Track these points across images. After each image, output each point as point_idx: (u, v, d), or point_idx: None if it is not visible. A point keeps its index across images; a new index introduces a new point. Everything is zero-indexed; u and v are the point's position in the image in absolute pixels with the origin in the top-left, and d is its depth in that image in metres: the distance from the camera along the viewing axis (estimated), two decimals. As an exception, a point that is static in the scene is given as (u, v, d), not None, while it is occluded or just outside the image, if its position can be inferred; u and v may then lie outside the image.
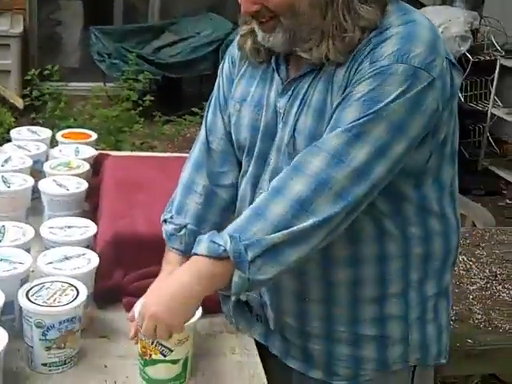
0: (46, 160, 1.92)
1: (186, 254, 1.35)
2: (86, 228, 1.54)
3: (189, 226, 1.41)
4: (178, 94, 5.76)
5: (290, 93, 1.28)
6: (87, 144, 2.05)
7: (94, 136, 2.12)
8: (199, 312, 1.25)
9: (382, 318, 1.32)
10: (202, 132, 1.49)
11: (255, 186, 1.35)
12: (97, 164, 2.00)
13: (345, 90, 1.19)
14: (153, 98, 4.32)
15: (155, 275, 1.54)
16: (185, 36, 5.65)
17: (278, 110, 1.30)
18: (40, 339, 1.24)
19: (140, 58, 5.16)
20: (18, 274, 1.33)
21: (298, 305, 1.35)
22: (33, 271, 1.39)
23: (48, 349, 1.25)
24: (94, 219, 1.65)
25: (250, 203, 1.29)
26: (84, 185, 1.75)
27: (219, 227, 1.33)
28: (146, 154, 2.59)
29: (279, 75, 1.31)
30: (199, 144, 1.48)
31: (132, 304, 1.47)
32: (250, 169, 1.36)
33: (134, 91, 4.30)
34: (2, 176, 1.72)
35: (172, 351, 1.21)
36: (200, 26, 5.69)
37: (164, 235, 1.43)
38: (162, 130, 4.29)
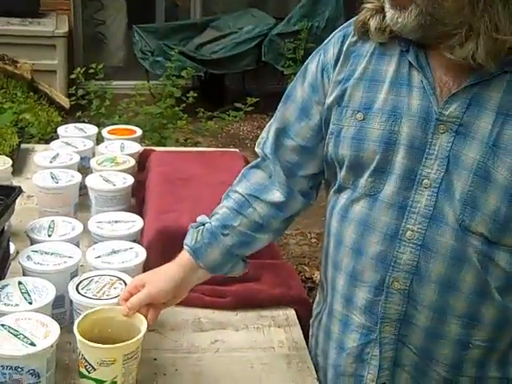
0: (93, 156, 1.95)
1: (195, 253, 1.30)
2: (133, 222, 1.56)
3: (207, 225, 1.32)
4: (221, 90, 5.78)
5: (465, 100, 1.09)
6: (132, 140, 2.06)
7: (139, 132, 2.14)
8: (134, 340, 1.14)
9: None
10: (270, 137, 1.32)
11: (401, 206, 1.15)
12: (142, 159, 2.01)
13: None
14: (196, 95, 4.33)
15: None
16: (227, 32, 5.65)
17: (441, 119, 1.11)
18: (90, 332, 1.26)
19: (182, 54, 5.18)
20: (68, 268, 1.35)
21: (460, 352, 1.19)
22: (82, 265, 1.41)
23: (98, 342, 1.26)
24: (141, 214, 1.67)
25: (387, 225, 1.16)
26: (130, 180, 1.77)
27: (246, 239, 1.30)
28: (191, 149, 2.60)
29: (427, 79, 1.12)
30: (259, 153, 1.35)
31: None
32: (386, 188, 1.16)
33: (177, 88, 4.32)
34: (51, 172, 1.75)
35: (95, 369, 1.12)
36: (242, 21, 5.68)
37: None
38: (205, 125, 4.30)
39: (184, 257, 1.31)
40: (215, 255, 1.31)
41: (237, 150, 2.39)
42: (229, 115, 4.34)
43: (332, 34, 1.27)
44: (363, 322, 1.22)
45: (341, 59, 1.22)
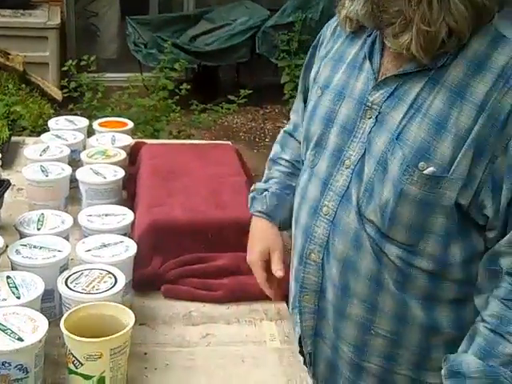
0: (84, 149, 1.93)
1: (270, 216, 1.42)
2: (124, 216, 1.54)
3: (271, 189, 1.44)
4: (215, 82, 5.75)
5: (388, 89, 1.13)
6: (123, 132, 2.05)
7: (131, 124, 2.12)
8: (120, 334, 1.12)
9: None
10: (297, 107, 1.47)
11: (325, 182, 1.22)
12: (133, 152, 2.00)
13: (480, 115, 1.03)
14: (189, 87, 4.31)
15: (193, 262, 1.54)
16: (220, 24, 5.63)
17: (367, 104, 1.15)
18: (79, 326, 1.24)
19: (176, 46, 5.16)
20: (57, 262, 1.33)
21: (362, 336, 1.22)
22: (72, 259, 1.40)
23: (88, 336, 1.25)
24: (132, 207, 1.65)
25: (314, 198, 1.24)
26: (121, 173, 1.75)
27: None
28: (183, 142, 2.59)
29: (371, 65, 1.17)
30: (291, 119, 1.50)
31: (171, 291, 1.48)
32: (320, 164, 1.23)
33: (170, 80, 4.30)
34: (41, 165, 1.73)
35: (82, 364, 1.11)
36: (235, 13, 5.67)
37: (248, 204, 1.47)
38: (198, 118, 4.28)
39: (259, 222, 1.43)
40: (285, 214, 1.41)
41: (229, 142, 2.38)
42: (222, 107, 4.33)
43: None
44: (292, 287, 1.33)
45: (327, 38, 1.32)
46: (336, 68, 1.24)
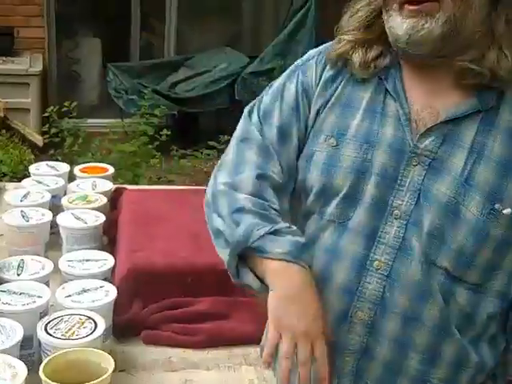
0: (65, 194, 1.94)
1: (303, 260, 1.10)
2: (104, 261, 1.55)
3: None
4: (195, 128, 5.80)
5: (439, 135, 1.11)
6: (104, 178, 2.06)
7: (111, 170, 2.14)
8: (98, 381, 1.12)
9: None
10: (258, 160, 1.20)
11: (370, 236, 1.14)
12: (114, 198, 2.01)
13: None
14: (169, 133, 4.35)
15: (173, 307, 1.55)
16: (200, 70, 5.69)
17: (415, 151, 1.11)
18: (59, 373, 1.24)
19: (156, 93, 5.21)
20: (36, 308, 1.33)
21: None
22: (52, 305, 1.40)
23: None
24: (112, 252, 1.66)
25: (357, 254, 1.14)
26: (102, 218, 1.76)
27: None
28: (163, 187, 2.61)
29: (403, 109, 1.13)
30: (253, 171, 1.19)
31: (150, 337, 1.48)
32: (356, 217, 1.14)
33: (150, 126, 4.34)
34: (21, 211, 1.74)
35: None
36: (215, 60, 5.74)
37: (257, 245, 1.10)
38: (179, 164, 4.31)
39: (295, 273, 1.09)
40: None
41: (210, 187, 2.39)
42: (202, 153, 4.36)
43: (308, 55, 1.26)
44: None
45: (321, 83, 1.21)
46: (347, 114, 1.17)
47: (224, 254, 1.15)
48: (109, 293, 1.41)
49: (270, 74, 5.50)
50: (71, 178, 2.10)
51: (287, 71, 1.28)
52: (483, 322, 1.15)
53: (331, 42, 1.23)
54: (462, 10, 1.05)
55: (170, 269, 1.59)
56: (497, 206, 1.08)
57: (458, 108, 1.11)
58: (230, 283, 1.52)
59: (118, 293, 1.42)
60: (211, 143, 4.40)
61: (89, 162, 2.46)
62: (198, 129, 5.83)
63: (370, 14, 1.16)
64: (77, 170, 2.11)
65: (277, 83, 1.27)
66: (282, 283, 1.08)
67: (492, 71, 1.07)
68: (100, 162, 2.63)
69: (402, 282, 1.13)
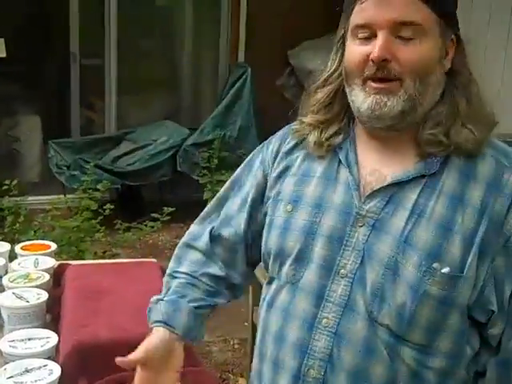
0: (6, 274, 1.92)
1: (168, 324, 1.33)
2: (48, 339, 1.53)
3: (165, 298, 1.38)
4: (139, 201, 5.80)
5: (384, 197, 1.18)
6: (47, 255, 2.05)
7: (54, 246, 2.13)
8: None
9: None
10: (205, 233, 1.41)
11: (319, 295, 1.20)
12: (57, 274, 2.00)
13: (482, 217, 1.13)
14: (113, 207, 4.34)
15: (119, 382, 1.53)
16: (142, 144, 5.74)
17: (360, 213, 1.18)
18: None
19: (99, 167, 5.22)
20: (-22, 391, 1.31)
21: None
22: (-6, 387, 1.37)
23: None
24: (56, 330, 1.65)
25: (307, 313, 1.20)
26: (44, 295, 1.75)
27: (205, 303, 1.37)
28: (107, 261, 2.60)
29: (352, 175, 1.21)
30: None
31: (97, 413, 1.45)
32: (306, 277, 1.21)
33: (93, 201, 4.32)
34: (-39, 293, 1.71)
35: None
36: (156, 133, 5.80)
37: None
38: (123, 237, 4.30)
39: (159, 333, 1.32)
40: (185, 319, 1.33)
41: (154, 260, 2.40)
42: (146, 226, 4.36)
43: (279, 132, 1.37)
44: None
45: (278, 157, 1.32)
46: (303, 183, 1.26)
47: None
48: (52, 372, 1.40)
49: (211, 145, 5.60)
50: (12, 256, 2.08)
51: (259, 146, 1.40)
52: (435, 382, 1.17)
53: (291, 125, 1.34)
54: (421, 89, 1.14)
55: (114, 343, 1.58)
56: (435, 265, 1.12)
57: (405, 173, 1.18)
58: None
59: (62, 371, 1.41)
60: (155, 215, 4.41)
61: (31, 240, 2.45)
62: (141, 201, 5.83)
63: (329, 94, 1.26)
64: (18, 248, 2.09)
65: (249, 156, 1.42)
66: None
67: (457, 144, 1.16)
68: (43, 238, 2.61)
69: (349, 340, 1.16)
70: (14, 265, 1.97)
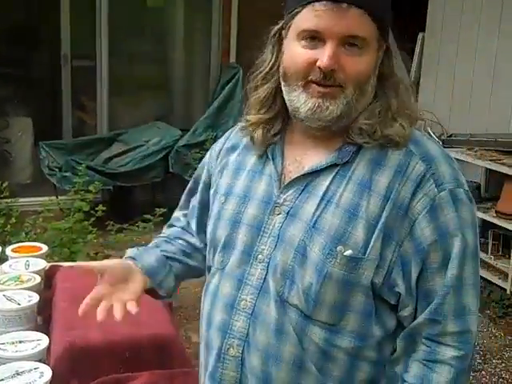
0: (-4, 276, 1.91)
1: (134, 258, 1.42)
2: (39, 341, 1.53)
3: (143, 247, 1.50)
4: (131, 202, 5.79)
5: (299, 187, 1.24)
6: (38, 257, 2.05)
7: (45, 248, 2.13)
8: None
9: None
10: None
11: (240, 279, 1.28)
12: (49, 276, 2.00)
13: (387, 203, 1.18)
14: (105, 208, 4.33)
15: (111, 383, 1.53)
16: (134, 145, 5.73)
17: (277, 202, 1.26)
18: None
19: (90, 169, 5.20)
20: (-32, 394, 1.30)
21: None
22: (-16, 390, 1.37)
23: None
24: (47, 332, 1.64)
25: (229, 295, 1.28)
26: (35, 298, 1.74)
27: (178, 258, 1.47)
28: (99, 263, 2.59)
29: (275, 167, 1.28)
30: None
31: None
32: (231, 263, 1.30)
33: (85, 202, 4.31)
34: (-49, 295, 1.71)
35: None
36: (148, 134, 5.79)
37: None
38: (115, 238, 4.29)
39: (124, 261, 1.42)
40: (151, 260, 1.41)
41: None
42: (138, 227, 4.35)
43: (228, 131, 1.46)
44: None
45: (221, 155, 1.41)
46: (236, 176, 1.34)
47: None
48: (43, 374, 1.39)
49: (203, 146, 5.60)
50: (3, 258, 2.08)
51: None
52: (344, 364, 1.22)
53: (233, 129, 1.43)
54: (359, 96, 1.21)
55: (106, 344, 1.58)
56: (339, 248, 1.18)
57: (320, 163, 1.24)
58: (169, 355, 1.53)
59: (53, 373, 1.41)
60: (147, 216, 4.40)
61: (22, 242, 2.44)
62: (133, 202, 5.83)
63: (270, 93, 1.30)
64: (9, 250, 2.09)
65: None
66: None
67: (387, 136, 1.22)
68: (34, 240, 2.61)
69: (262, 320, 1.24)
70: (4, 267, 1.96)
